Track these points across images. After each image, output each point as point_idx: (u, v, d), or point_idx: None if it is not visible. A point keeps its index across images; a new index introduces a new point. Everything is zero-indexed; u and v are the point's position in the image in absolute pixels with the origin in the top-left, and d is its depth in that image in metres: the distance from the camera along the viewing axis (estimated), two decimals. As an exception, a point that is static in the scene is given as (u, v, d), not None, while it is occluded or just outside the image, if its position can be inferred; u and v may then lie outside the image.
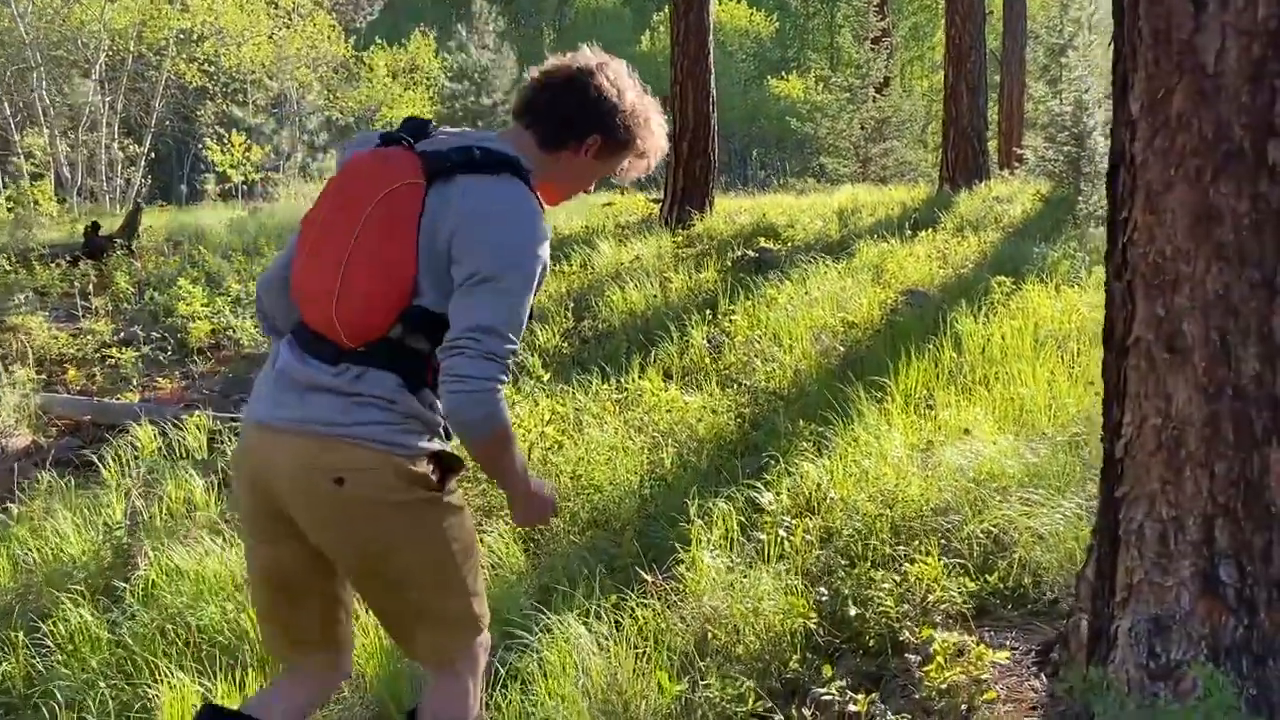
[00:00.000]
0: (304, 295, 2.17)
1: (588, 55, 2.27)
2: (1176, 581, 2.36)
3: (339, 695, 3.08)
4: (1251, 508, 2.30)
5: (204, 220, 15.00)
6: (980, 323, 6.32)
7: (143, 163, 26.03)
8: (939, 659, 2.80)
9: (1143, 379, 2.40)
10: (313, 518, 2.12)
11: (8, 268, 10.62)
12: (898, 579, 3.34)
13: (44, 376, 7.28)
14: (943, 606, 3.25)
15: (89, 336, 8.17)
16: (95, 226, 12.10)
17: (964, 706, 2.74)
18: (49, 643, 3.43)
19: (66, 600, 3.55)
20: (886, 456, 4.27)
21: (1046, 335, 6.10)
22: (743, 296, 7.69)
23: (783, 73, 41.86)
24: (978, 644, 2.88)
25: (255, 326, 8.14)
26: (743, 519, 3.84)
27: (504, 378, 2.00)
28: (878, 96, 22.82)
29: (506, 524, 4.09)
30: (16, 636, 3.44)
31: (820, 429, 4.67)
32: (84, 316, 8.92)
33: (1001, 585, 3.41)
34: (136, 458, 5.23)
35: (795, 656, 3.06)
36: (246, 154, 19.69)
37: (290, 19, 25.95)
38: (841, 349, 6.43)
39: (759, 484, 4.09)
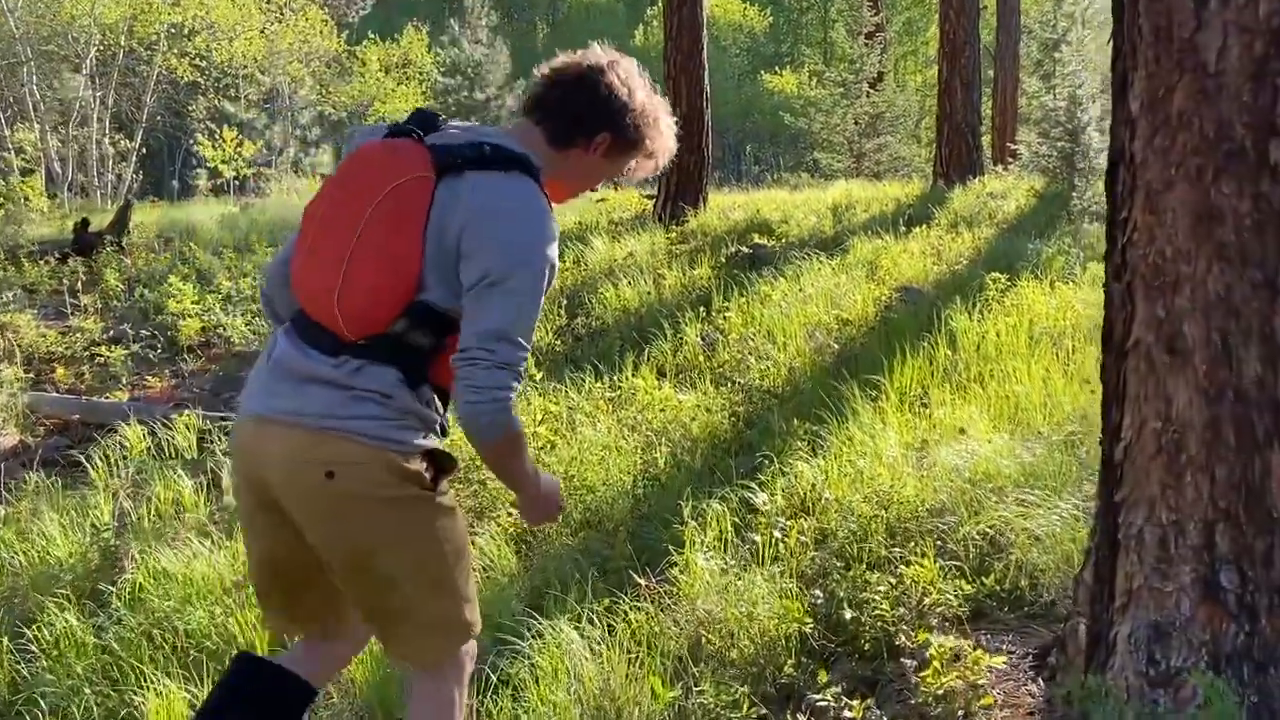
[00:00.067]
0: (304, 290, 2.15)
1: (599, 53, 2.25)
2: (1177, 587, 2.33)
3: (329, 700, 3.04)
4: (1253, 512, 2.27)
5: (195, 216, 14.92)
6: (975, 320, 6.30)
7: (134, 158, 25.89)
8: (935, 664, 2.77)
9: (1142, 381, 2.37)
10: (304, 510, 2.10)
11: (-4, 265, 10.56)
12: (893, 581, 3.31)
13: (32, 375, 7.21)
14: (939, 609, 3.22)
15: (78, 334, 8.10)
16: (85, 223, 12.02)
17: (961, 712, 2.71)
18: (34, 648, 3.38)
19: (52, 605, 3.50)
20: (881, 456, 4.24)
21: (1041, 332, 6.08)
22: (737, 293, 7.65)
23: (776, 68, 41.82)
24: (974, 648, 2.85)
25: (246, 324, 8.10)
26: (736, 520, 3.80)
27: (517, 384, 2.02)
28: (871, 91, 22.78)
29: (499, 525, 4.06)
30: (1, 642, 3.39)
31: (815, 428, 4.64)
32: (73, 314, 8.85)
33: (998, 587, 3.38)
34: (125, 458, 5.18)
35: (790, 661, 3.03)
36: (238, 149, 19.56)
37: (282, 13, 25.85)
38: (836, 346, 6.40)
39: (753, 484, 4.06)
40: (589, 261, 9.56)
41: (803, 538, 3.64)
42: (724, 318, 7.06)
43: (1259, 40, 2.16)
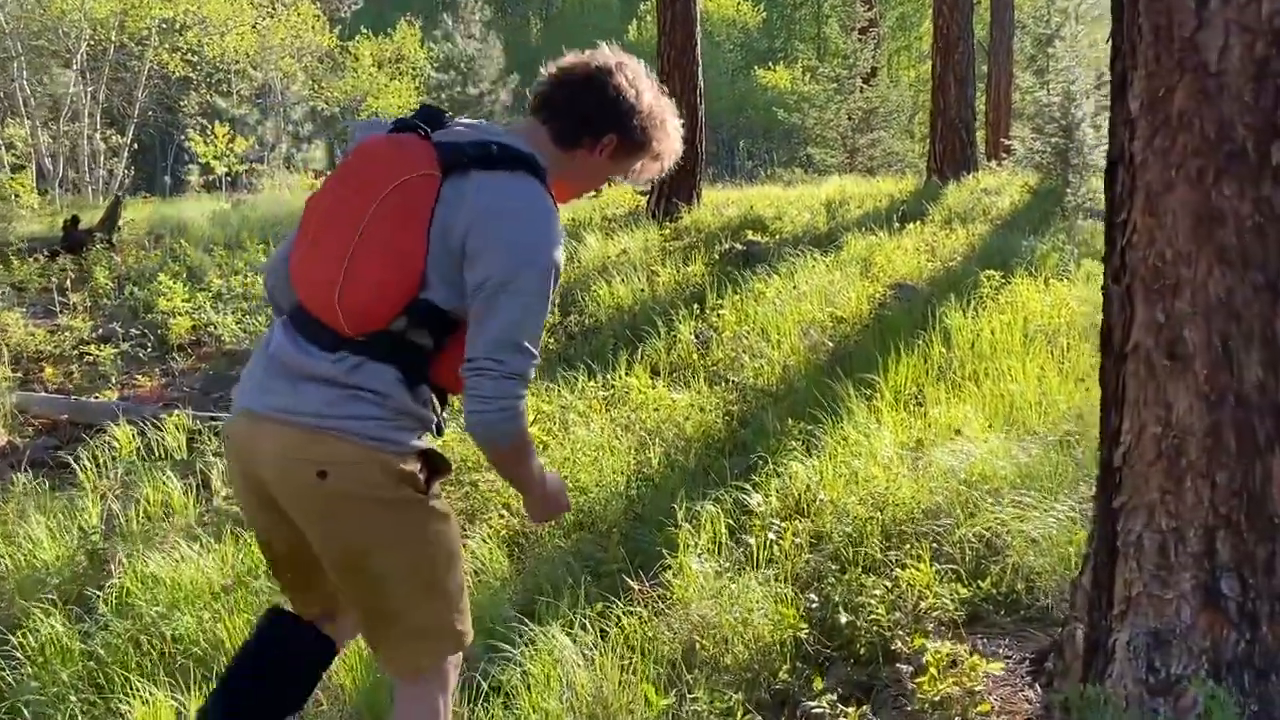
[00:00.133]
0: (304, 283, 2.13)
1: (607, 54, 2.24)
2: (1176, 594, 2.30)
3: (318, 707, 3.01)
4: (1254, 519, 2.24)
5: (186, 213, 14.86)
6: (969, 317, 6.27)
7: (125, 154, 25.82)
8: (932, 670, 2.74)
9: (1142, 386, 2.34)
10: (298, 509, 2.09)
11: (-16, 262, 10.48)
12: (889, 585, 3.28)
13: (20, 374, 7.15)
14: (934, 613, 3.19)
15: (67, 333, 8.04)
16: (75, 220, 11.95)
17: (958, 719, 2.68)
18: (19, 655, 3.33)
19: (38, 610, 3.45)
20: (876, 456, 4.21)
21: (1036, 330, 6.06)
22: (730, 291, 7.61)
23: (770, 63, 41.74)
24: (971, 654, 2.83)
25: (237, 323, 8.04)
26: (731, 522, 3.77)
27: (525, 392, 2.03)
28: (865, 87, 22.79)
29: (490, 528, 4.02)
30: (-15, 648, 3.35)
31: (809, 427, 4.61)
32: (62, 312, 8.78)
33: (994, 591, 3.35)
34: (114, 459, 5.13)
35: (785, 667, 3.00)
36: (230, 145, 19.46)
37: (274, 8, 25.73)
38: (830, 344, 6.37)
39: (747, 485, 4.03)
40: (582, 258, 9.52)
41: (797, 540, 3.61)
42: (718, 315, 7.02)
43: (1261, 40, 2.13)
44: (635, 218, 11.54)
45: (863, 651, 3.09)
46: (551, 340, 7.12)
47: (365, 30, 32.27)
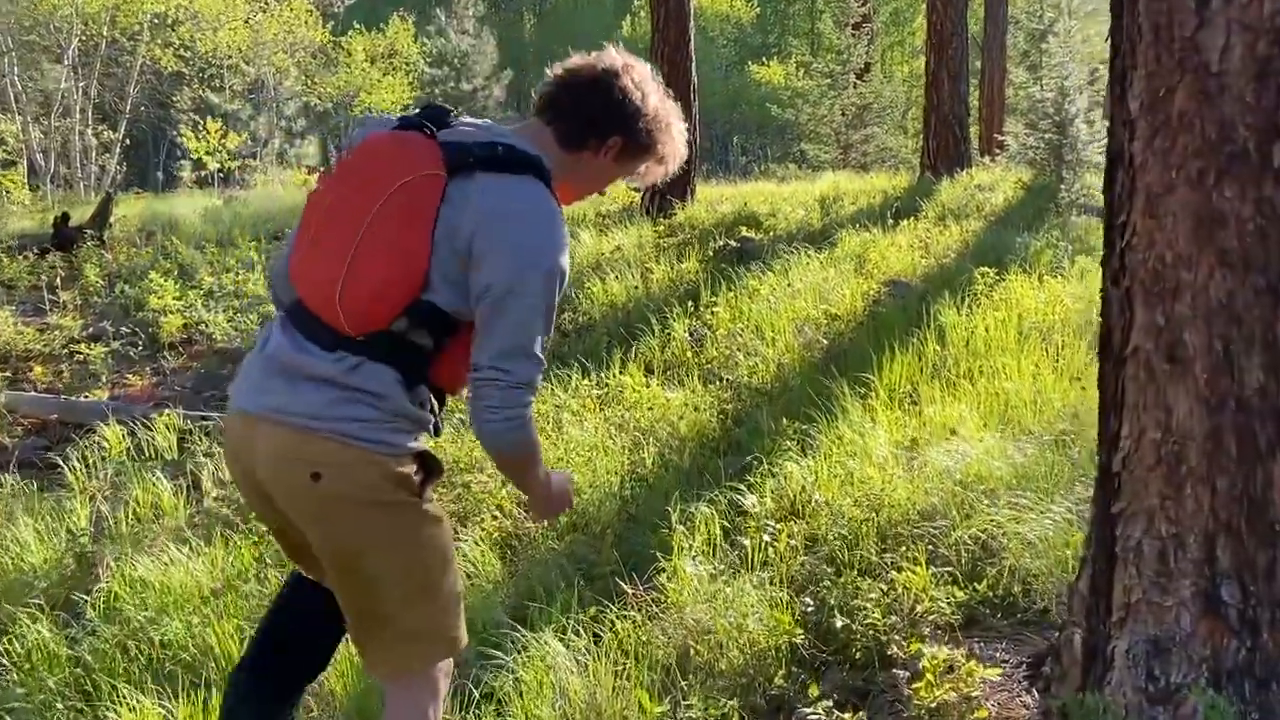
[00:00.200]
0: (304, 281, 2.10)
1: (613, 56, 2.22)
2: (1176, 601, 2.27)
3: (308, 713, 2.97)
4: (1255, 525, 2.21)
5: (178, 209, 14.78)
6: (964, 315, 6.24)
7: (117, 149, 25.70)
8: (928, 676, 2.71)
9: (1141, 390, 2.31)
10: (293, 509, 2.08)
11: (-27, 260, 10.41)
12: (885, 588, 3.26)
13: (9, 373, 7.10)
14: (931, 617, 3.16)
15: (56, 332, 7.98)
16: (65, 217, 11.87)
17: (955, 725, 2.65)
18: (4, 661, 3.29)
19: (24, 615, 3.41)
20: (871, 456, 4.18)
21: (1030, 327, 6.03)
22: (725, 288, 7.58)
23: (764, 58, 41.61)
24: (967, 658, 2.79)
25: (229, 321, 7.99)
26: (725, 523, 3.74)
27: (532, 399, 2.04)
28: (858, 82, 22.75)
29: (483, 530, 3.99)
30: (-29, 655, 3.31)
31: (804, 426, 4.58)
32: (52, 311, 8.71)
33: (990, 594, 3.32)
34: (104, 459, 5.08)
35: (780, 672, 2.96)
36: (223, 140, 19.39)
37: (266, 3, 25.64)
38: (824, 342, 6.34)
39: (742, 485, 4.00)
40: (576, 255, 9.46)
41: (792, 542, 3.58)
42: (712, 313, 6.99)
43: (1263, 39, 2.10)
44: (629, 214, 11.50)
45: (859, 656, 3.06)
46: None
47: (358, 25, 32.12)
